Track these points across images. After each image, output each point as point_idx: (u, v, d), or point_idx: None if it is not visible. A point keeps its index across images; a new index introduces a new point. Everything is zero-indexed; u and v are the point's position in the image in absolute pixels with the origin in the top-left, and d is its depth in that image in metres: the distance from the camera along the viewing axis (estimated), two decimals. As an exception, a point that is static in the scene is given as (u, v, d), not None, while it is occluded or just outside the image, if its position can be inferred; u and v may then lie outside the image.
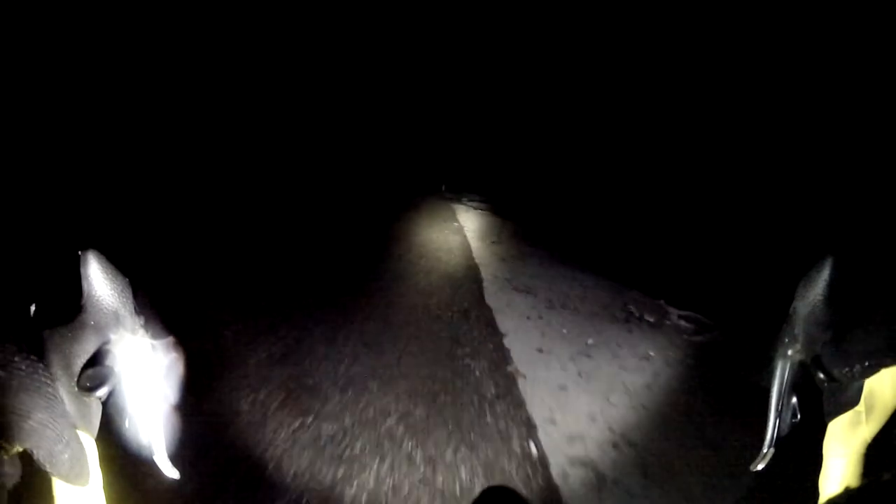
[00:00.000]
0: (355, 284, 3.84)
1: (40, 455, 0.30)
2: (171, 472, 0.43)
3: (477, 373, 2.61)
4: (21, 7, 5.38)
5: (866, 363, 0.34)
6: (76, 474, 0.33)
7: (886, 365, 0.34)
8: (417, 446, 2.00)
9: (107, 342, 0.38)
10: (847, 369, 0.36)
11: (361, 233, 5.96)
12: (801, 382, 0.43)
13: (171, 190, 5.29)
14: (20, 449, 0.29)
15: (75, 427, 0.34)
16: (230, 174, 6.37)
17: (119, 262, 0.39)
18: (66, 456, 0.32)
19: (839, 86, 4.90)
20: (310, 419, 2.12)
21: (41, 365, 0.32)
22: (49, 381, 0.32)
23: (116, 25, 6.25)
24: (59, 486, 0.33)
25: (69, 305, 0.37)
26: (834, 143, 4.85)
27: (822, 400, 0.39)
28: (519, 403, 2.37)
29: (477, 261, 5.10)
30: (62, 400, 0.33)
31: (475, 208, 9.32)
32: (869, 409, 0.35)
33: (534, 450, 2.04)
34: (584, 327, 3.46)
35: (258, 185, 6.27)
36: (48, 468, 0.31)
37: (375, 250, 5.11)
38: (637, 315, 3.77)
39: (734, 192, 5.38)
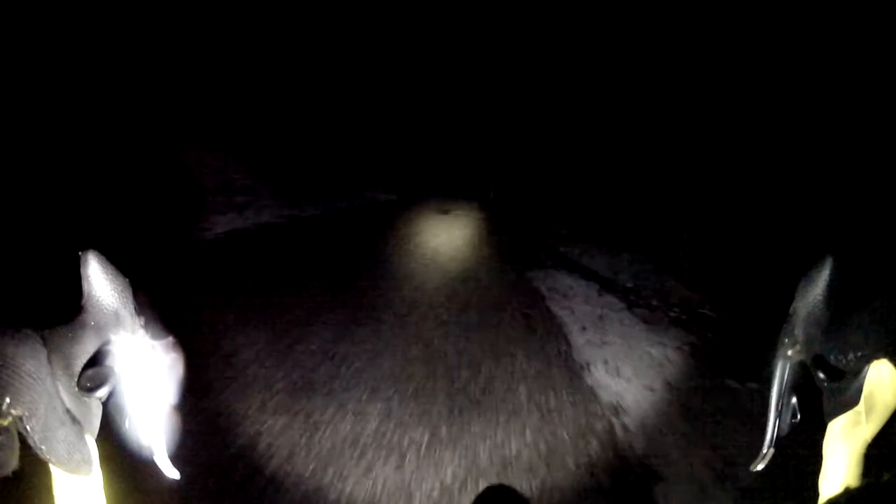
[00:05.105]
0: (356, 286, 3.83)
1: (35, 426, 0.28)
2: (171, 472, 0.43)
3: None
4: (21, 7, 5.37)
5: (859, 353, 0.35)
6: (77, 462, 0.32)
7: (877, 358, 0.34)
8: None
9: (107, 342, 0.38)
10: (843, 362, 0.36)
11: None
12: (801, 382, 0.43)
13: (171, 190, 5.30)
14: (13, 412, 0.27)
15: (69, 411, 0.32)
16: (230, 174, 6.37)
17: (119, 262, 0.39)
18: (62, 434, 0.30)
19: (839, 85, 4.89)
20: (311, 420, 2.12)
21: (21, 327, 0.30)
22: (33, 334, 0.30)
23: (116, 25, 6.25)
24: (58, 483, 0.32)
25: (69, 305, 0.37)
26: (834, 142, 4.84)
27: (822, 400, 0.39)
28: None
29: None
30: (49, 364, 0.30)
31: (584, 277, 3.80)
32: (869, 409, 0.35)
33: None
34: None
35: (258, 185, 6.27)
36: (44, 450, 0.29)
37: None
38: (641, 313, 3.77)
39: (734, 192, 5.38)
